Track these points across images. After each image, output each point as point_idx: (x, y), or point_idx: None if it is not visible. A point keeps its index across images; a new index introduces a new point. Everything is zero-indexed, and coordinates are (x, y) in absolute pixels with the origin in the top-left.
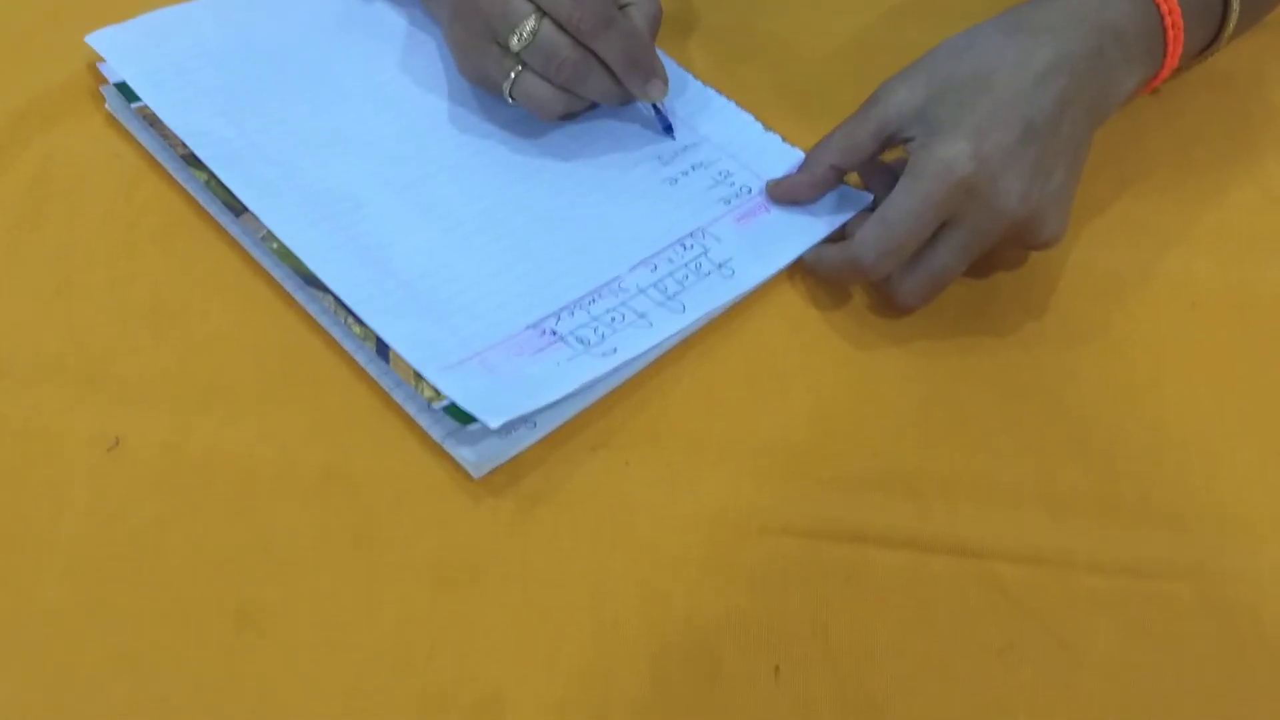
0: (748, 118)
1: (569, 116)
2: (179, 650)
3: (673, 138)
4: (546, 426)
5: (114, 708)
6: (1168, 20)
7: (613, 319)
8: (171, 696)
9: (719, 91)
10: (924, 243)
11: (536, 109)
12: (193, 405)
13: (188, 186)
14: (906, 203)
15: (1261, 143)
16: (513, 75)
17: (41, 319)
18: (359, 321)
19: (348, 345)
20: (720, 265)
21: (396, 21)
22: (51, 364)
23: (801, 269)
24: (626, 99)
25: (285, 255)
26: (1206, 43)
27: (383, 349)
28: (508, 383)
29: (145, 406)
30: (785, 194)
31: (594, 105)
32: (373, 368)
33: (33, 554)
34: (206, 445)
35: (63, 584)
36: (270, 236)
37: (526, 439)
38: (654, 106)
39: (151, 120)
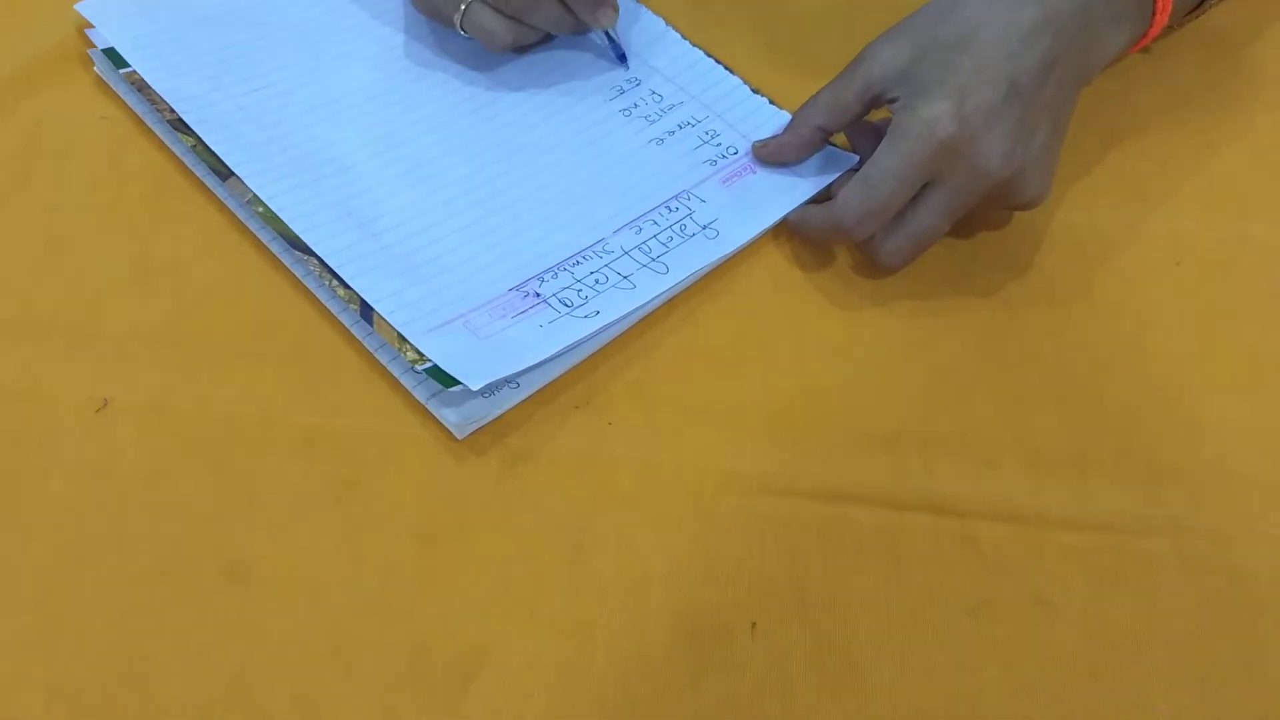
0: (735, 79)
1: (520, 49)
2: (166, 605)
3: (626, 66)
4: (530, 387)
5: (101, 662)
6: None
7: (596, 281)
8: (159, 650)
9: (706, 52)
10: (907, 203)
11: (486, 40)
12: (180, 366)
13: (175, 151)
14: (888, 163)
15: (1252, 101)
16: (463, 7)
17: (30, 280)
18: (343, 284)
19: (333, 307)
20: (705, 227)
21: None
22: (40, 325)
23: (786, 230)
24: (578, 28)
25: (271, 219)
26: (1199, 0)
27: (367, 311)
28: (490, 345)
29: (133, 367)
30: (771, 155)
31: (546, 39)
32: (358, 330)
33: (21, 513)
34: (194, 406)
35: (51, 543)
36: (256, 200)
37: (510, 399)
38: (607, 35)
39: (139, 85)
